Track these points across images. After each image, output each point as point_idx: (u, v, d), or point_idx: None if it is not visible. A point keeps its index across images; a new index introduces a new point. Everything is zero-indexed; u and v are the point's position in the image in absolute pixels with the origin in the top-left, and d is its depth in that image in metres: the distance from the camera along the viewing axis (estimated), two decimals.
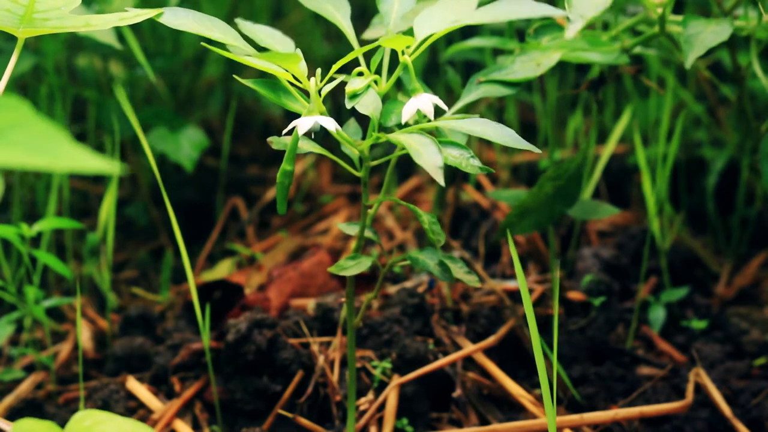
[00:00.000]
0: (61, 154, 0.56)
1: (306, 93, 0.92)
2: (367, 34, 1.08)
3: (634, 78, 1.50)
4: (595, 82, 1.21)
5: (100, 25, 0.94)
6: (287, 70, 0.90)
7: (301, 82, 0.91)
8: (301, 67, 0.90)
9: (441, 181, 0.81)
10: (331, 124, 0.88)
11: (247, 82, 0.90)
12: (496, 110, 1.69)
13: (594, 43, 1.12)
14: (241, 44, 0.89)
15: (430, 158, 0.83)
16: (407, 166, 1.73)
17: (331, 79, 0.93)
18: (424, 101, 0.91)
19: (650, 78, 1.53)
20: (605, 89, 1.21)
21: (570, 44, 1.11)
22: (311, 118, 0.88)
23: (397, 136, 0.87)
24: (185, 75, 1.75)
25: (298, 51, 0.92)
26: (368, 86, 0.93)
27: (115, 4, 1.41)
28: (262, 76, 0.94)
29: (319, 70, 0.91)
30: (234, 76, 0.95)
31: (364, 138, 0.97)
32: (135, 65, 1.60)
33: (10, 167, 0.58)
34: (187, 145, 1.54)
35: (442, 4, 0.93)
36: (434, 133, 0.98)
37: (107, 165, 0.55)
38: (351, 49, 0.94)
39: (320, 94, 0.91)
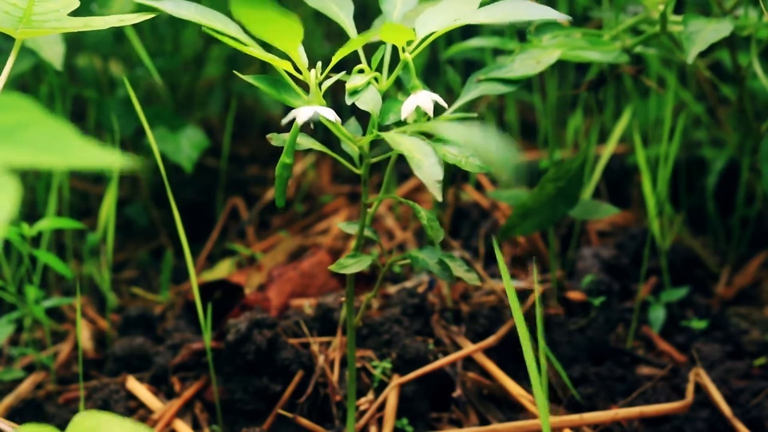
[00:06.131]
0: (72, 151, 0.55)
1: (306, 88, 0.92)
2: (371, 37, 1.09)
3: (634, 78, 1.50)
4: (595, 82, 1.21)
5: (99, 26, 0.94)
6: (288, 59, 0.89)
7: (301, 74, 0.91)
8: (302, 56, 0.90)
9: (439, 197, 0.81)
10: (330, 115, 0.88)
11: (248, 78, 0.90)
12: (496, 110, 1.69)
13: (594, 42, 1.13)
14: (242, 37, 0.89)
15: (430, 171, 0.82)
16: (407, 165, 1.73)
17: (329, 76, 0.93)
18: (423, 98, 0.91)
19: (650, 78, 1.53)
20: (605, 89, 1.21)
21: (570, 43, 1.11)
22: (311, 108, 0.88)
23: (395, 139, 0.86)
24: (185, 75, 1.75)
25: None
26: (368, 83, 0.93)
27: (114, 6, 1.41)
28: (264, 73, 0.94)
29: (319, 63, 0.91)
30: (234, 72, 0.95)
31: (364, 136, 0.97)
32: (135, 65, 1.60)
33: (21, 167, 0.57)
34: (186, 146, 1.54)
35: (444, 4, 0.94)
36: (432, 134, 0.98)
37: (118, 159, 0.55)
38: (353, 49, 0.94)
39: (320, 88, 0.91)
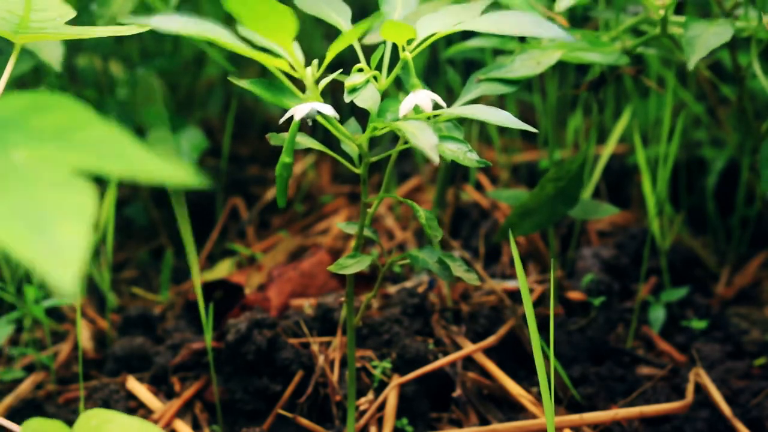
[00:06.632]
0: (134, 159, 0.49)
1: (303, 88, 0.91)
2: (369, 39, 1.09)
3: (634, 78, 1.50)
4: (596, 82, 1.21)
5: (95, 35, 0.95)
6: (282, 56, 0.89)
7: (296, 71, 0.90)
8: (298, 53, 0.89)
9: (436, 159, 0.81)
10: (329, 110, 0.87)
11: (243, 83, 0.89)
12: None
13: (594, 44, 1.12)
14: (232, 40, 0.89)
15: (425, 138, 0.82)
16: (407, 166, 1.73)
17: (326, 74, 0.92)
18: (421, 97, 0.91)
19: (650, 78, 1.53)
20: (605, 89, 1.21)
21: (570, 44, 1.11)
22: (308, 104, 0.88)
23: (392, 123, 0.87)
24: (185, 75, 1.75)
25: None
26: (367, 81, 0.93)
27: (114, 7, 1.41)
28: (262, 76, 0.94)
29: (315, 61, 0.91)
30: (228, 78, 0.95)
31: None
32: (135, 65, 1.60)
33: (86, 173, 0.49)
34: (186, 147, 1.54)
35: (446, 8, 0.94)
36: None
37: (183, 172, 0.49)
38: (353, 50, 0.94)
39: (318, 85, 0.90)
